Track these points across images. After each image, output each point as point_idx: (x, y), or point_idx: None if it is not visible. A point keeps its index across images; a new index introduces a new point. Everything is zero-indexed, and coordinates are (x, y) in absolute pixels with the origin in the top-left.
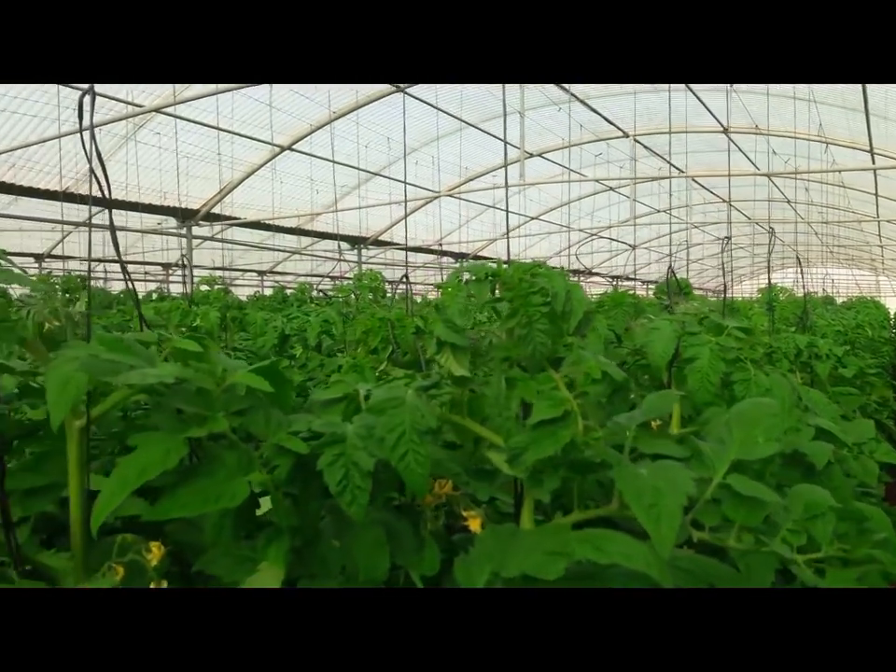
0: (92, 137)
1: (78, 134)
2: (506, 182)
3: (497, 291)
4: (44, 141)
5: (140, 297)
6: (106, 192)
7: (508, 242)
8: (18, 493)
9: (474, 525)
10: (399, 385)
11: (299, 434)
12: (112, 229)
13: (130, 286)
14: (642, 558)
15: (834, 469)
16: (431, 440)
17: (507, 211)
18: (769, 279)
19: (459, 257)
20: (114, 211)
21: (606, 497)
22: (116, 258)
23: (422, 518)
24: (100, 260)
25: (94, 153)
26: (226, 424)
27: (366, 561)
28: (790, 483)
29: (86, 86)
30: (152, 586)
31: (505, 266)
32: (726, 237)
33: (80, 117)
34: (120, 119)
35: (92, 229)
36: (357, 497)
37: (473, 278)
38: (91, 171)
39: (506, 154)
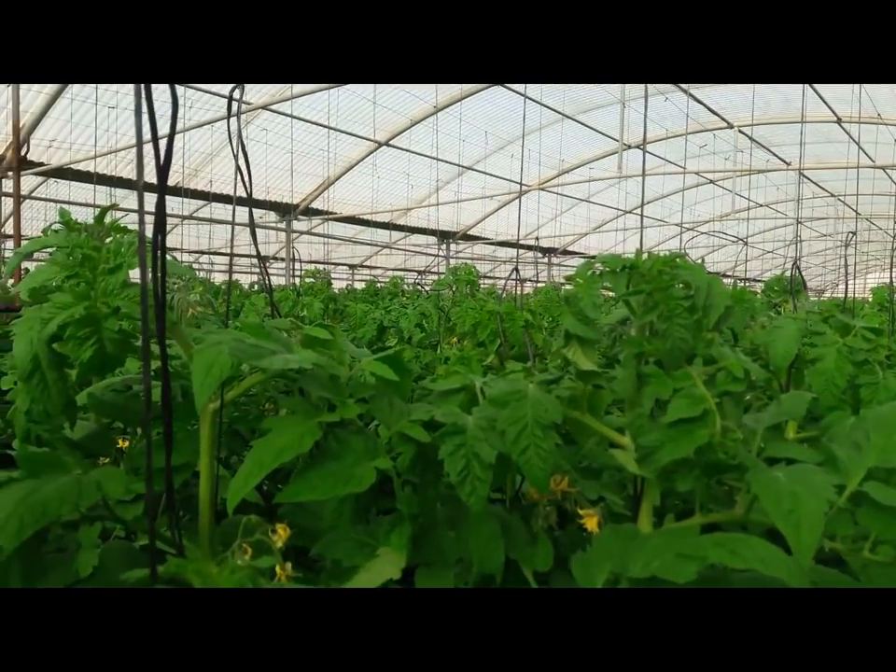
0: (239, 138)
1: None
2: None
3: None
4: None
5: (243, 288)
6: (248, 189)
7: (641, 234)
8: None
9: (590, 523)
10: (518, 377)
11: (419, 423)
12: (252, 226)
13: (266, 279)
14: (782, 565)
15: None
16: (554, 435)
17: (641, 203)
18: (892, 278)
19: (547, 252)
20: (219, 206)
21: (719, 502)
22: (255, 252)
23: (534, 513)
24: (214, 253)
25: (241, 153)
26: (356, 409)
27: (481, 553)
28: None
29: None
30: (278, 568)
31: (644, 258)
32: (851, 232)
33: (228, 113)
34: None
35: (199, 223)
36: (477, 488)
37: (608, 270)
38: (237, 169)
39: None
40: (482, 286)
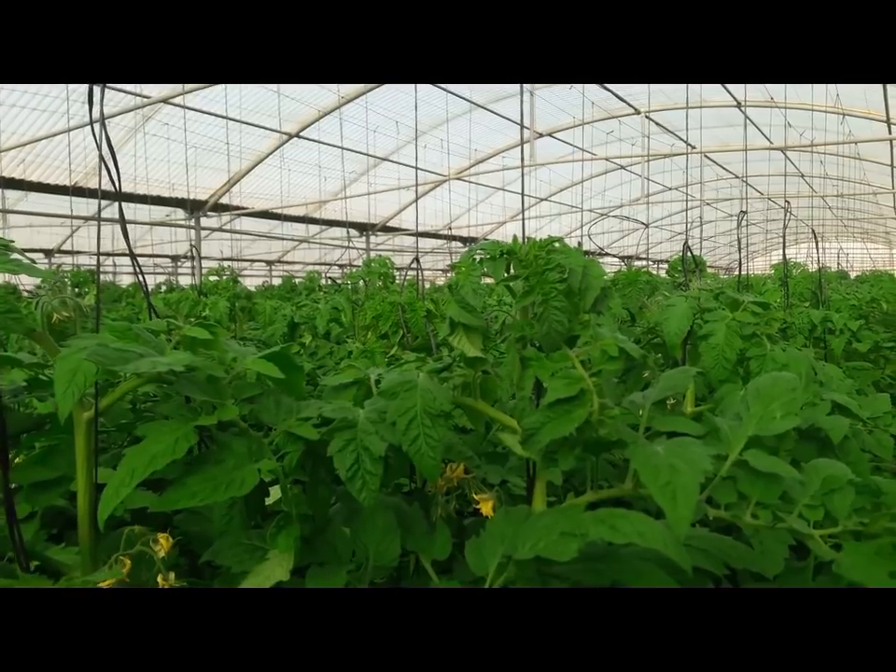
0: (103, 127)
1: (87, 128)
2: (521, 158)
3: (511, 270)
4: (53, 135)
5: (149, 289)
6: (117, 185)
7: (523, 218)
8: (25, 487)
9: (485, 508)
10: (410, 368)
11: (309, 420)
12: (122, 222)
13: (140, 277)
14: (658, 537)
15: (850, 443)
16: (445, 423)
17: (521, 190)
18: (784, 254)
19: (468, 241)
20: (123, 204)
21: (619, 478)
22: (126, 251)
23: (433, 502)
24: (109, 254)
25: (105, 144)
26: (236, 411)
27: (376, 547)
28: (805, 459)
29: None
30: (159, 578)
31: (520, 243)
32: (742, 211)
33: (91, 108)
34: (129, 111)
35: (101, 222)
36: (368, 482)
37: (487, 256)
38: (102, 161)
39: (522, 128)
40: (399, 278)
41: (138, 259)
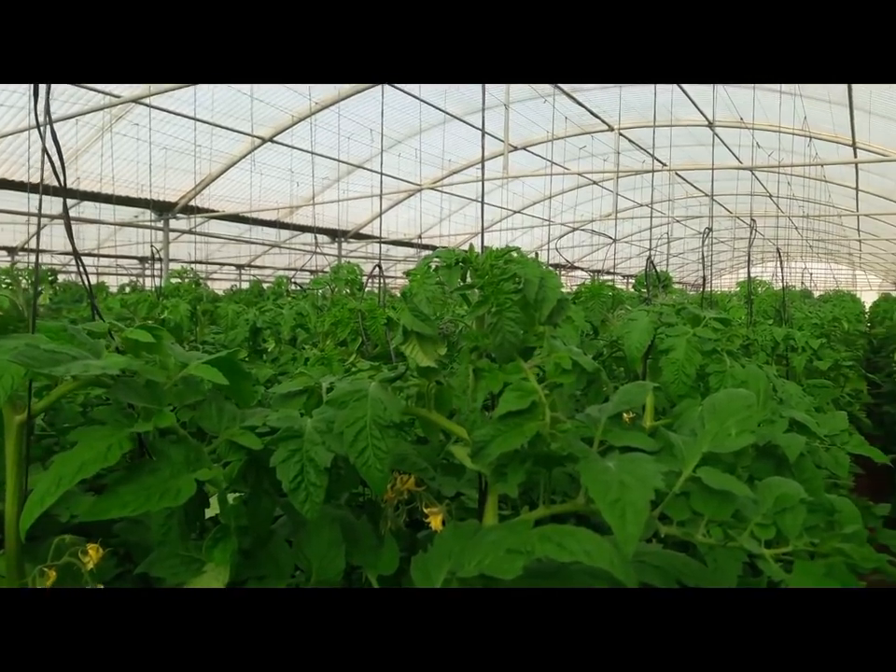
0: (49, 124)
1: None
2: (482, 167)
3: (469, 279)
4: (18, 132)
5: (113, 291)
6: (62, 180)
7: (482, 228)
8: None
9: (435, 522)
10: (363, 377)
11: (255, 429)
12: (66, 219)
13: (84, 277)
14: (605, 556)
15: (806, 460)
16: (396, 434)
17: (482, 201)
18: (748, 272)
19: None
20: (89, 204)
21: (577, 492)
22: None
23: (382, 516)
24: (70, 254)
25: (51, 140)
26: (173, 418)
27: (320, 561)
28: (762, 476)
29: None
30: None
31: (477, 252)
32: (707, 228)
33: (35, 105)
34: (98, 110)
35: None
36: (312, 494)
37: (443, 264)
38: (46, 154)
39: (483, 139)
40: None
41: (102, 260)
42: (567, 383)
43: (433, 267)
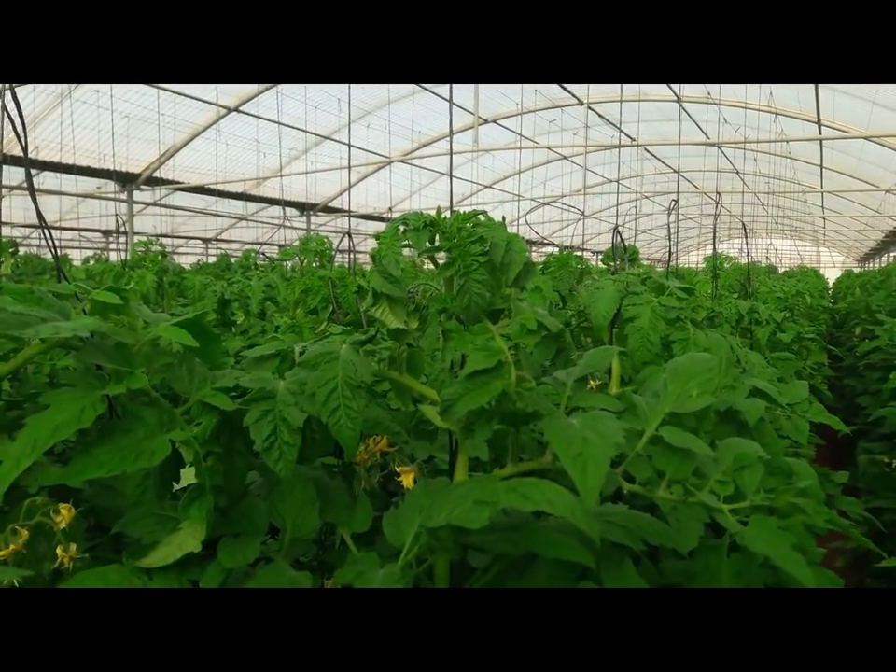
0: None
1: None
2: (451, 139)
3: (437, 242)
4: None
5: (77, 264)
6: (25, 151)
7: (451, 196)
8: None
9: (407, 480)
10: (334, 340)
11: (228, 391)
12: (31, 190)
13: (50, 244)
14: (567, 506)
15: (766, 426)
16: (367, 395)
17: (450, 172)
18: (714, 246)
19: None
20: (49, 174)
21: (545, 453)
22: (36, 220)
23: (356, 476)
24: (28, 226)
25: (15, 109)
26: (145, 380)
27: (294, 518)
28: (723, 439)
29: None
30: (59, 550)
31: (445, 215)
32: (673, 200)
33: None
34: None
35: (24, 193)
36: (286, 453)
37: (412, 227)
38: (9, 118)
39: (451, 112)
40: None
41: (64, 233)
42: (532, 343)
43: (401, 230)
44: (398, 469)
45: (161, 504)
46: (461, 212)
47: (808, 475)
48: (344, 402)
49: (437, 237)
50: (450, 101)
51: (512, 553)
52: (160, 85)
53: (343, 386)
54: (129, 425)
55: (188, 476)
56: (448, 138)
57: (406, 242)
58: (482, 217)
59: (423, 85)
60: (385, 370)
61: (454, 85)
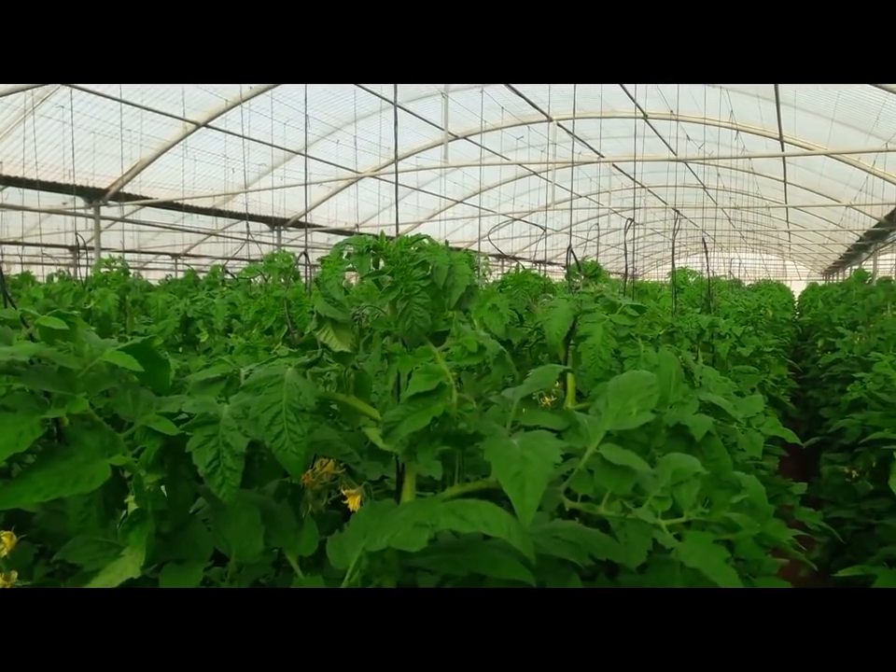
0: None
1: None
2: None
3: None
4: None
5: (41, 281)
6: None
7: (397, 220)
8: None
9: (353, 503)
10: (280, 363)
11: (172, 416)
12: None
13: None
14: (504, 526)
15: (714, 440)
16: (312, 419)
17: (396, 182)
18: (672, 261)
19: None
20: (13, 190)
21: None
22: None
23: (303, 499)
24: None
25: None
26: (86, 404)
27: (239, 543)
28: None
29: None
30: (0, 578)
31: (388, 239)
32: (629, 219)
33: None
34: (19, 91)
35: None
36: (228, 478)
37: (355, 251)
38: None
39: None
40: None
41: (27, 249)
42: (474, 364)
43: (345, 254)
44: (343, 492)
45: (104, 531)
46: (404, 236)
47: (755, 488)
48: (289, 426)
49: (380, 261)
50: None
51: (458, 574)
52: (124, 100)
53: (288, 410)
54: (69, 450)
55: (134, 502)
56: (417, 154)
57: (350, 265)
58: (426, 241)
59: (391, 100)
60: (333, 392)
61: (424, 101)
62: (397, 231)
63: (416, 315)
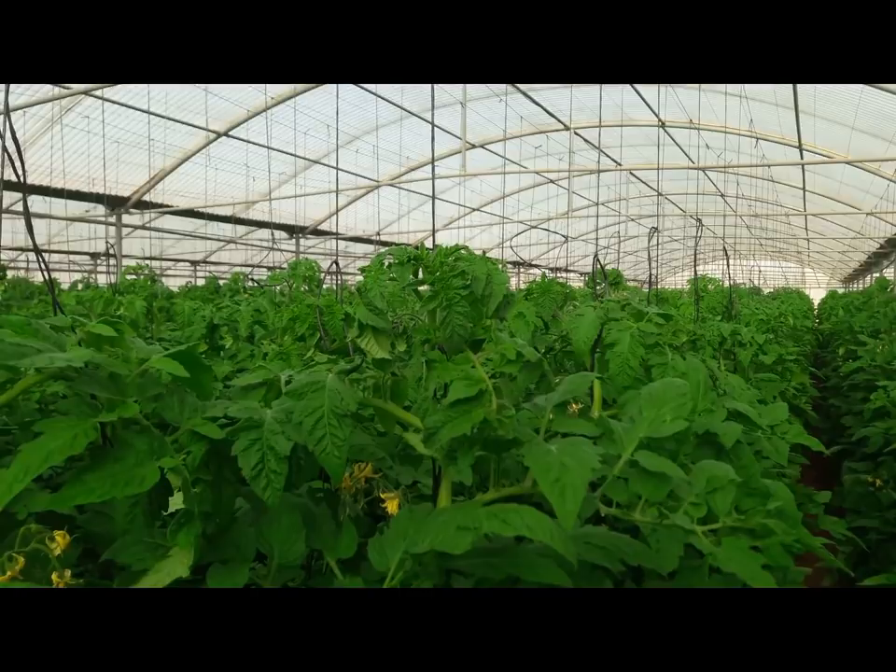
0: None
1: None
2: (433, 166)
3: (420, 274)
4: None
5: (65, 287)
6: (22, 176)
7: (433, 222)
8: None
9: (391, 506)
10: (321, 369)
11: (217, 420)
12: (26, 215)
13: (45, 273)
14: (546, 530)
15: (743, 448)
16: (353, 423)
17: (434, 191)
18: (695, 269)
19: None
20: (38, 198)
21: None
22: (30, 244)
23: (341, 503)
24: (20, 249)
25: (9, 135)
26: (136, 408)
27: (281, 545)
28: (703, 461)
29: None
30: (54, 576)
31: (428, 249)
32: (653, 227)
33: None
34: (46, 101)
35: (11, 216)
36: (273, 481)
37: (396, 261)
38: (4, 150)
39: (433, 138)
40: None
41: (53, 256)
42: (513, 371)
43: (386, 264)
44: (382, 496)
45: (149, 531)
46: (444, 246)
47: (784, 496)
48: (331, 431)
49: (420, 270)
50: (432, 125)
51: (495, 577)
52: (150, 110)
53: (330, 415)
54: (120, 452)
55: (175, 503)
56: (436, 162)
57: (391, 275)
58: (463, 251)
59: (410, 110)
60: (370, 397)
61: (441, 109)
62: (433, 239)
63: (456, 324)
